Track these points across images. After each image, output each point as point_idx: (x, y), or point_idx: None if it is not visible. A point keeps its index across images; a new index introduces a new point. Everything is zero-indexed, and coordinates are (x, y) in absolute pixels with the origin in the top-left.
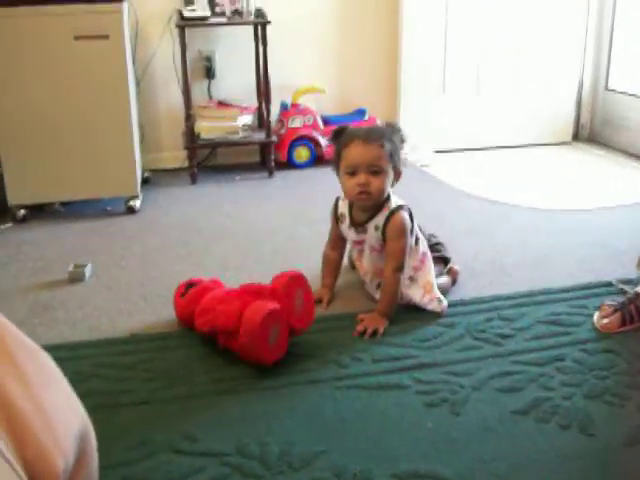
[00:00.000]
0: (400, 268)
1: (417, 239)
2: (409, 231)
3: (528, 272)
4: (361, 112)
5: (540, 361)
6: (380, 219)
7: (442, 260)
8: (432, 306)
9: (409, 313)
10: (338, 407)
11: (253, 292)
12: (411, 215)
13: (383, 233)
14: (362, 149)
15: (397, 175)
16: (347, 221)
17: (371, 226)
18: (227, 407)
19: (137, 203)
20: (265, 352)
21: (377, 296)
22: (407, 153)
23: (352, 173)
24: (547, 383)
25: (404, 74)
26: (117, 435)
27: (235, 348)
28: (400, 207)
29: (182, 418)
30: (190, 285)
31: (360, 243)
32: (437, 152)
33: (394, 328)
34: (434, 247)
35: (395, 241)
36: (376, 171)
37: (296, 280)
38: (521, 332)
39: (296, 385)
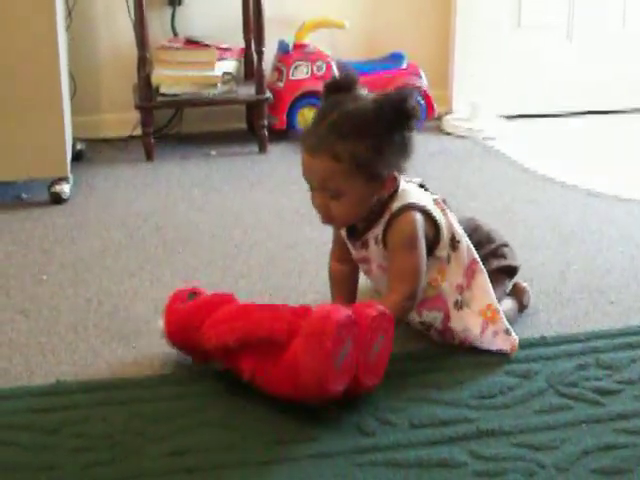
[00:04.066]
0: (412, 296)
1: (456, 242)
2: (421, 237)
3: (638, 298)
4: (397, 57)
5: None
6: (379, 228)
7: (506, 272)
8: (498, 343)
9: (463, 355)
10: None
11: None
12: (444, 205)
13: (386, 245)
14: (307, 161)
15: (386, 183)
16: (344, 231)
17: (371, 239)
18: None
19: (65, 188)
20: (329, 374)
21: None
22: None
23: (310, 186)
24: None
25: (461, 1)
26: None
27: (270, 373)
28: (407, 207)
29: None
30: (191, 295)
31: (365, 261)
32: (507, 118)
33: (441, 378)
34: (496, 251)
35: (401, 254)
36: (332, 194)
37: (385, 320)
38: (630, 386)
39: (299, 460)
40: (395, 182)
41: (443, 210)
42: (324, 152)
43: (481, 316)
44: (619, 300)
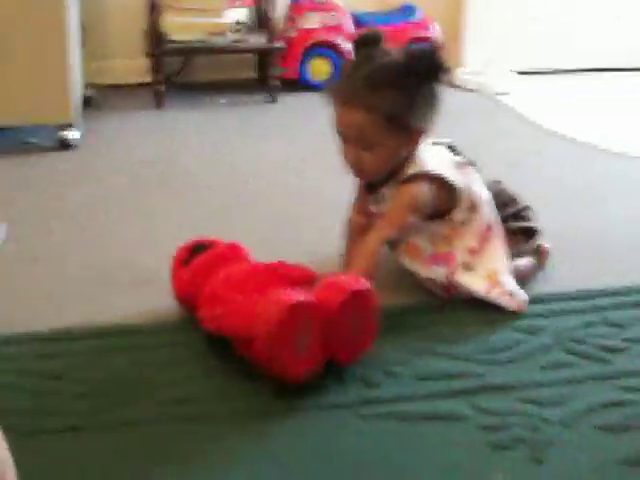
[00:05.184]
0: (387, 239)
1: (475, 207)
2: (421, 208)
3: None
4: (408, 9)
5: None
6: (390, 189)
7: (527, 233)
8: (502, 302)
9: (470, 310)
10: (363, 445)
11: (286, 276)
12: (469, 168)
13: None
14: (342, 114)
15: (414, 136)
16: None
17: (386, 195)
18: (198, 441)
19: (74, 135)
20: (289, 362)
21: (432, 277)
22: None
23: (342, 138)
24: None
25: None
26: (36, 476)
27: (254, 357)
28: (418, 176)
29: (126, 455)
30: (198, 248)
31: (379, 217)
32: (520, 74)
33: (447, 331)
34: (518, 215)
35: (394, 207)
36: (365, 146)
37: (361, 299)
38: (636, 345)
39: (303, 411)
40: (423, 135)
41: (466, 174)
42: (359, 104)
43: (485, 279)
44: (629, 259)
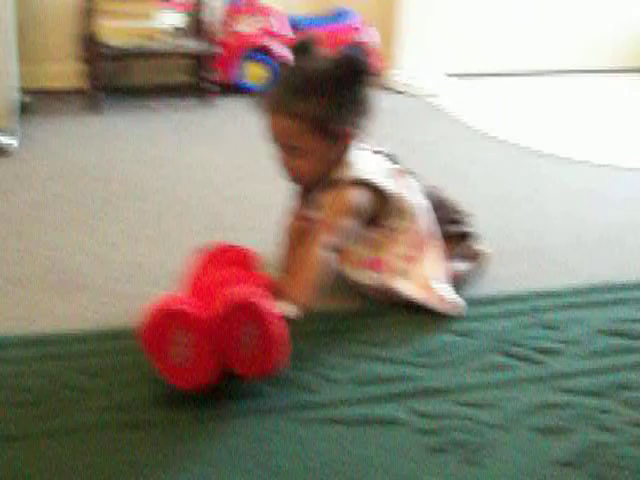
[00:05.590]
0: (331, 246)
1: (408, 214)
2: (357, 213)
3: (584, 258)
4: (344, 14)
5: (598, 389)
6: (322, 192)
7: (464, 237)
8: (438, 306)
9: (407, 314)
10: (301, 450)
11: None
12: (404, 175)
13: None
14: (270, 122)
15: (343, 140)
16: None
17: (318, 198)
18: (135, 448)
19: (9, 141)
20: (168, 371)
21: (364, 282)
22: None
23: (275, 145)
24: (608, 422)
25: None
26: None
27: None
28: (350, 182)
29: (64, 463)
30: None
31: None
32: (452, 76)
33: (384, 335)
34: (455, 219)
35: (329, 215)
36: (296, 152)
37: (248, 313)
38: (571, 346)
39: (238, 417)
40: (351, 138)
41: (401, 181)
42: (283, 112)
43: (420, 287)
44: (562, 261)
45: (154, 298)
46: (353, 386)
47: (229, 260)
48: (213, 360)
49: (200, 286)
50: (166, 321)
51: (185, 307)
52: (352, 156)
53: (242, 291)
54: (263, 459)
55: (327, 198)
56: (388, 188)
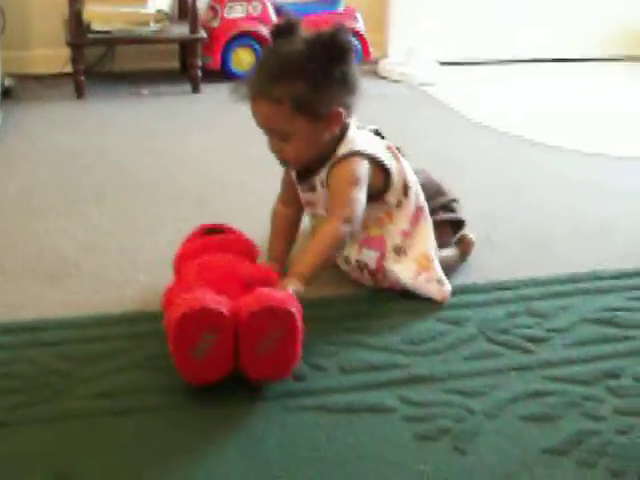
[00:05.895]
0: (350, 220)
1: (407, 188)
2: (364, 182)
3: (573, 248)
4: (332, 0)
5: (585, 377)
6: (324, 172)
7: (451, 224)
8: (429, 290)
9: (395, 301)
10: (288, 438)
11: (244, 275)
12: (397, 152)
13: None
14: (253, 108)
15: (332, 120)
16: (293, 173)
17: (317, 182)
18: (118, 435)
19: None
20: (183, 365)
21: (355, 274)
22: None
23: (263, 130)
24: (595, 410)
25: None
26: None
27: None
28: (352, 153)
29: (52, 450)
30: (212, 230)
31: (311, 204)
32: (444, 64)
33: (373, 323)
34: (445, 206)
35: (341, 188)
36: (281, 136)
37: (281, 318)
38: (559, 335)
39: (226, 405)
40: (341, 118)
41: (396, 156)
42: (264, 97)
43: (416, 263)
44: (552, 250)
45: (182, 294)
46: (341, 374)
47: (224, 246)
48: (230, 359)
49: (203, 267)
50: (200, 319)
51: (221, 308)
52: (351, 134)
53: (279, 295)
54: (251, 447)
55: (333, 173)
56: (388, 162)
